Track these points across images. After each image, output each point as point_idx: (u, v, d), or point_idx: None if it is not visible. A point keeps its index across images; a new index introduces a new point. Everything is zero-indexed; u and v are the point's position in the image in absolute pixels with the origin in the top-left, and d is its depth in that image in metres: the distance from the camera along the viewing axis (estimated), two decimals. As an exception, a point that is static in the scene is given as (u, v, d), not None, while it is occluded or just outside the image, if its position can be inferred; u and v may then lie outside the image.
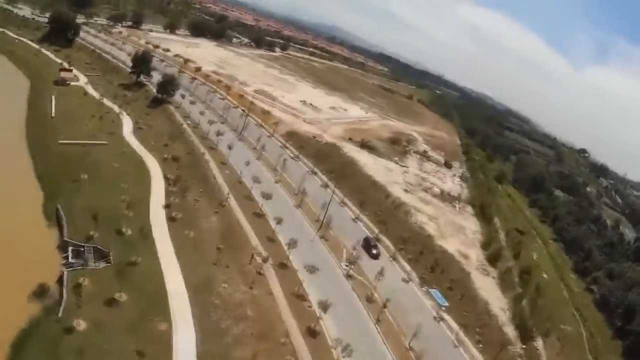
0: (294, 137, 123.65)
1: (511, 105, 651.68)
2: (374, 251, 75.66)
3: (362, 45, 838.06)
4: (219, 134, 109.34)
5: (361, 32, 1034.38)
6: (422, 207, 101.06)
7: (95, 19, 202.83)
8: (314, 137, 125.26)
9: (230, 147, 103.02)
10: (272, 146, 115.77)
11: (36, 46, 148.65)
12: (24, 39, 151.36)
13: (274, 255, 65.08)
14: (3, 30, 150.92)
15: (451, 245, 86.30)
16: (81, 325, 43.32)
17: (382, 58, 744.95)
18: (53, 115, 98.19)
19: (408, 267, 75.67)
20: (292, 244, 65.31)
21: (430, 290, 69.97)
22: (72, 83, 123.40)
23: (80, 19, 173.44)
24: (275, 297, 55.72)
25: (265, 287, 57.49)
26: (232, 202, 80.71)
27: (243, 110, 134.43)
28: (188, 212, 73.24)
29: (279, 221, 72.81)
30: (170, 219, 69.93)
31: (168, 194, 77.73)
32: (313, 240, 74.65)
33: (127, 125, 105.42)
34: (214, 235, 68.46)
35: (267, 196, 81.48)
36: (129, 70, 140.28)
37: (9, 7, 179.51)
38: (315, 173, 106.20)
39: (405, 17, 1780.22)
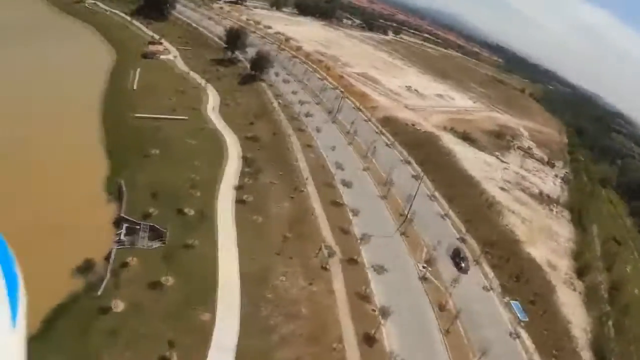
0: (390, 123, 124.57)
1: (621, 108, 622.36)
2: (463, 264, 70.03)
3: (478, 34, 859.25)
4: (310, 115, 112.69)
5: (478, 22, 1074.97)
6: (516, 208, 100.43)
7: None
8: (413, 125, 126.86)
9: (320, 130, 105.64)
10: (366, 131, 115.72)
11: (128, 19, 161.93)
12: (117, 11, 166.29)
13: (345, 249, 62.09)
14: (95, 2, 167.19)
15: (540, 252, 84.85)
16: (119, 306, 44.19)
17: (497, 49, 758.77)
18: (134, 88, 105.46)
19: (491, 274, 71.81)
20: (367, 238, 62.60)
21: (511, 302, 66.25)
22: (162, 57, 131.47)
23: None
24: (336, 296, 52.31)
25: (327, 284, 54.41)
26: (310, 188, 79.35)
27: (342, 92, 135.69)
28: (260, 195, 73.10)
29: (357, 212, 70.70)
30: (239, 202, 70.06)
31: (242, 175, 78.41)
32: (391, 236, 70.93)
33: (212, 101, 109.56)
34: (283, 222, 67.24)
35: (349, 184, 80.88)
36: (223, 46, 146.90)
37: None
38: (408, 162, 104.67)
39: (524, 9, 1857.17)
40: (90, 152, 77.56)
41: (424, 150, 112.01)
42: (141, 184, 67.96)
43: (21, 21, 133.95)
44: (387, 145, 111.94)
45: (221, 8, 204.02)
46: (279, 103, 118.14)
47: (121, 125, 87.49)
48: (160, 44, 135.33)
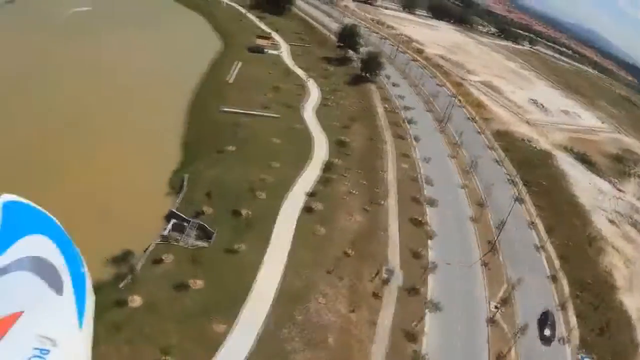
0: (504, 138, 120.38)
1: None
2: (547, 332, 60.76)
3: (615, 52, 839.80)
4: (415, 122, 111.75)
5: (617, 39, 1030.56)
6: (620, 245, 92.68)
7: None
8: (528, 141, 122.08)
9: (422, 139, 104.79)
10: (474, 144, 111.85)
11: (244, 12, 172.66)
12: (232, 4, 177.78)
13: (409, 275, 58.74)
14: None
15: (637, 303, 75.75)
16: (135, 302, 46.30)
17: (634, 69, 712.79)
18: (231, 81, 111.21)
19: (573, 321, 64.69)
20: (437, 266, 58.12)
21: (582, 356, 60.47)
22: (270, 51, 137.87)
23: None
24: (377, 331, 49.20)
25: (372, 314, 51.48)
26: (392, 202, 76.82)
27: (458, 99, 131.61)
28: (332, 204, 72.30)
29: (436, 234, 66.67)
30: (307, 210, 69.88)
31: (320, 180, 78.43)
32: (470, 266, 65.44)
33: (312, 100, 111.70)
34: (348, 236, 65.58)
35: (438, 202, 77.72)
36: (336, 44, 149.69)
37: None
38: (513, 183, 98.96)
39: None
40: (166, 141, 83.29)
41: (534, 170, 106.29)
42: (205, 181, 70.98)
43: (137, 7, 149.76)
44: (495, 161, 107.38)
45: (346, 6, 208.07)
46: (384, 107, 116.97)
47: (205, 118, 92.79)
48: (269, 38, 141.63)
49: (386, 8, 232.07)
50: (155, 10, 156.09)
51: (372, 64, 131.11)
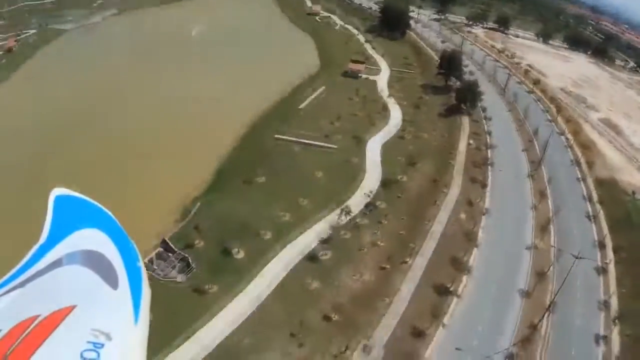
0: (606, 188, 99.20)
1: None
2: None
3: None
4: (502, 163, 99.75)
5: None
6: None
7: (447, 15, 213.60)
8: (633, 193, 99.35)
9: (499, 184, 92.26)
10: (568, 194, 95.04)
11: (355, 34, 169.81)
12: (349, 27, 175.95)
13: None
14: (329, 15, 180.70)
15: None
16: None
17: None
18: (302, 107, 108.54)
19: None
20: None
21: None
22: (366, 76, 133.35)
23: (427, 14, 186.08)
24: None
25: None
26: (419, 263, 67.47)
27: (566, 139, 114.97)
28: (344, 256, 65.63)
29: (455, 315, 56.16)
30: (310, 258, 64.03)
31: (347, 225, 71.80)
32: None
33: (388, 131, 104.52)
34: (341, 298, 58.52)
35: (475, 269, 66.60)
36: (436, 72, 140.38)
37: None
38: (602, 247, 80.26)
39: None
40: (202, 163, 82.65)
41: (634, 233, 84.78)
42: (213, 212, 69.25)
43: (249, 24, 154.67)
44: (587, 216, 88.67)
45: (469, 32, 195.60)
46: (468, 144, 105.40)
47: (254, 144, 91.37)
48: (362, 62, 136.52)
49: (517, 36, 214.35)
50: (266, 31, 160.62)
51: (467, 94, 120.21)
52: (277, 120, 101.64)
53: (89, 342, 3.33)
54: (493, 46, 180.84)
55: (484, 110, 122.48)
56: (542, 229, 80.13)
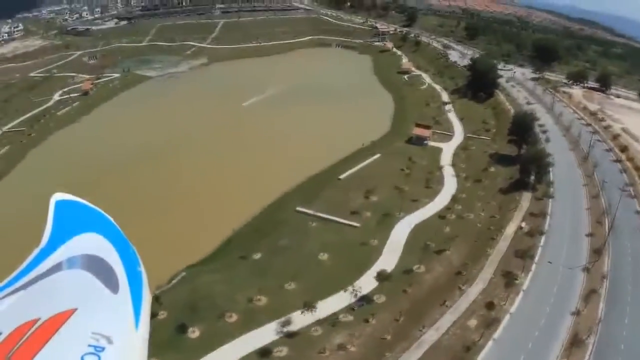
0: None
1: None
2: None
3: None
4: (554, 253, 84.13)
5: None
6: None
7: (545, 73, 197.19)
8: None
9: (540, 281, 77.29)
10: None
11: (440, 93, 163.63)
12: (437, 86, 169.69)
13: None
14: (420, 73, 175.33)
15: None
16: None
17: None
18: (342, 177, 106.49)
19: None
20: None
21: None
22: (434, 143, 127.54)
23: (525, 72, 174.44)
24: None
25: None
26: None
27: None
28: (302, 356, 61.98)
29: None
30: (262, 352, 61.24)
31: (327, 319, 67.63)
32: None
33: (428, 210, 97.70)
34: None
35: None
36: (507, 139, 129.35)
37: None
38: None
39: None
40: (216, 234, 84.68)
41: None
42: (192, 284, 70.37)
43: (332, 79, 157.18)
44: None
45: (565, 92, 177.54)
46: (519, 227, 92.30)
47: (275, 215, 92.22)
48: (429, 127, 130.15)
49: (618, 96, 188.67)
50: (347, 89, 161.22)
51: (532, 165, 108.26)
52: (311, 190, 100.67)
53: (89, 345, 3.35)
54: (585, 107, 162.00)
55: (552, 184, 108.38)
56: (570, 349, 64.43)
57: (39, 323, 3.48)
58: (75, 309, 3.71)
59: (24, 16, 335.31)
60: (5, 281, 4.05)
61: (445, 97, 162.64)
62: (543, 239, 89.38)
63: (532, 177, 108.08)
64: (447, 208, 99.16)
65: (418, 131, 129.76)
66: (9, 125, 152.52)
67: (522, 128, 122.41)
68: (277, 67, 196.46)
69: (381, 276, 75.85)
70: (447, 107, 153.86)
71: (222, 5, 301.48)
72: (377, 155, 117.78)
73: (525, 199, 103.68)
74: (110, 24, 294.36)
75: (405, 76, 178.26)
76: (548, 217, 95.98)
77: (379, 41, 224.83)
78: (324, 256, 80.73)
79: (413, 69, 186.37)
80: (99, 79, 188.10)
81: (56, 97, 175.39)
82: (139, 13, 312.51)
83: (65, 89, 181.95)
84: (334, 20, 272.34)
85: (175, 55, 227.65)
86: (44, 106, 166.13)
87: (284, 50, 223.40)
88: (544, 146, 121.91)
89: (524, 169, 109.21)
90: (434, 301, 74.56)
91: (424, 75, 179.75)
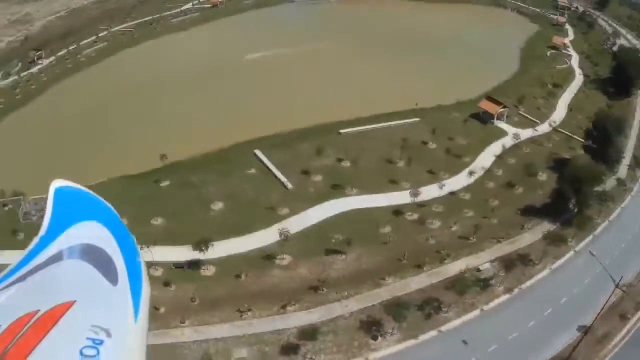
0: None
1: None
2: None
3: None
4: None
5: None
6: None
7: None
8: None
9: None
10: None
11: (575, 73, 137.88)
12: (576, 69, 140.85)
13: None
14: (570, 54, 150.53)
15: None
16: None
17: None
18: (343, 131, 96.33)
19: None
20: None
21: None
22: (503, 126, 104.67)
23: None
24: None
25: None
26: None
27: None
28: None
29: None
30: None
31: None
32: None
33: (390, 200, 79.89)
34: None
35: None
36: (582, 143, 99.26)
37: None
38: None
39: None
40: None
41: None
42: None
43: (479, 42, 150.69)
44: None
45: None
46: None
47: (235, 149, 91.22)
48: (500, 104, 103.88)
49: None
50: (480, 52, 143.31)
51: (570, 191, 79.36)
52: (299, 136, 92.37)
53: (88, 338, 3.35)
54: None
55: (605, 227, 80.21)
56: None
57: (37, 315, 3.39)
58: (74, 301, 3.62)
59: None
60: (4, 272, 3.90)
61: (577, 82, 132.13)
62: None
63: (572, 205, 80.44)
64: (419, 205, 78.42)
65: (485, 105, 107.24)
66: (122, 26, 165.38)
67: (603, 134, 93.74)
68: (433, 16, 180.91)
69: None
70: (566, 90, 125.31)
71: None
72: (414, 120, 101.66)
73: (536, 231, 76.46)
74: None
75: (550, 52, 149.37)
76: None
77: (555, 14, 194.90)
78: (219, 205, 74.47)
79: (566, 45, 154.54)
80: None
81: (188, 5, 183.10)
82: None
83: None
84: None
85: None
86: (166, 13, 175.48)
87: (451, 2, 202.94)
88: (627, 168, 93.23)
89: (560, 190, 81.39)
90: None
91: (574, 55, 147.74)
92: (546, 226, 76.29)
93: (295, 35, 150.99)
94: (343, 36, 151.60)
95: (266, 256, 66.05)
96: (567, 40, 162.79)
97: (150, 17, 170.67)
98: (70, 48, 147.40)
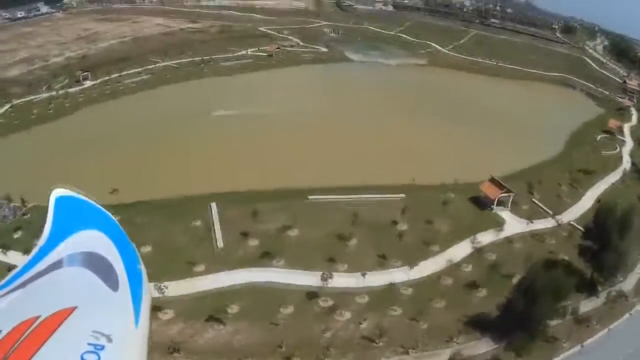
0: None
1: None
2: None
3: None
4: None
5: None
6: None
7: None
8: None
9: None
10: None
11: (624, 162, 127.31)
12: (626, 157, 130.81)
13: None
14: (625, 140, 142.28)
15: None
16: None
17: None
18: (312, 198, 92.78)
19: None
20: None
21: None
22: (506, 215, 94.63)
23: None
24: None
25: None
26: None
27: None
28: None
29: None
30: None
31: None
32: None
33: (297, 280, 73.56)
34: None
35: None
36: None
37: None
38: None
39: None
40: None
41: None
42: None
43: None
44: None
45: None
46: None
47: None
48: (503, 188, 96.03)
49: None
50: (528, 130, 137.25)
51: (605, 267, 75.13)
52: (268, 199, 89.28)
53: (89, 343, 3.41)
54: None
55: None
56: None
57: (38, 321, 3.51)
58: (76, 307, 3.76)
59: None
60: (6, 278, 4.10)
61: (619, 170, 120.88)
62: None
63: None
64: (342, 292, 71.35)
65: (486, 188, 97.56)
66: (173, 61, 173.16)
67: (602, 233, 78.92)
68: (495, 89, 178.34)
69: None
70: (603, 179, 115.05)
71: (495, 20, 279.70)
72: (399, 196, 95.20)
73: (467, 348, 65.93)
74: (377, 6, 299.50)
75: (601, 136, 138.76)
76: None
77: (623, 98, 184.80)
78: (145, 248, 72.58)
79: (621, 129, 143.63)
80: (281, 47, 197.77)
81: (246, 52, 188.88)
82: (409, 4, 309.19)
83: (262, 47, 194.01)
84: (594, 65, 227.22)
85: (406, 50, 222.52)
86: (220, 55, 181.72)
87: (518, 77, 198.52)
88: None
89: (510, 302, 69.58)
90: None
91: (628, 142, 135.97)
92: (483, 346, 66.10)
93: (325, 94, 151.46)
94: (373, 96, 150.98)
95: (154, 307, 64.20)
96: (625, 125, 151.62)
97: (201, 58, 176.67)
98: (115, 75, 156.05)
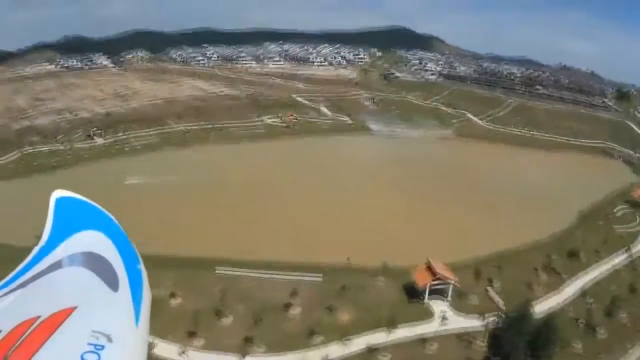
0: None
1: None
2: None
3: None
4: None
5: None
6: None
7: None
8: None
9: None
10: None
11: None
12: None
13: None
14: None
15: None
16: None
17: None
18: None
19: None
20: None
21: None
22: (446, 309, 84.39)
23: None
24: None
25: None
26: None
27: None
28: None
29: None
30: None
31: None
32: None
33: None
34: None
35: None
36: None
37: None
38: None
39: None
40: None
41: None
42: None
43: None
44: None
45: None
46: None
47: None
48: (435, 275, 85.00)
49: None
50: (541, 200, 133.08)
51: None
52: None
53: (89, 343, 3.51)
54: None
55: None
56: None
57: (39, 321, 3.59)
58: (76, 307, 3.84)
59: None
60: (5, 279, 4.17)
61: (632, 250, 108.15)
62: None
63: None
64: None
65: (419, 274, 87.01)
66: (184, 124, 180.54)
67: (502, 343, 71.52)
68: (506, 162, 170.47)
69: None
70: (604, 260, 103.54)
71: (539, 87, 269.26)
72: (315, 277, 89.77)
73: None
74: (426, 76, 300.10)
75: (621, 207, 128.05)
76: None
77: None
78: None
79: None
80: (297, 118, 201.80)
81: (266, 120, 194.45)
82: (459, 73, 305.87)
83: (284, 116, 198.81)
84: (638, 129, 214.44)
85: (438, 120, 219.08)
86: (234, 122, 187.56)
87: (550, 147, 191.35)
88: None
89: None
90: None
91: None
92: None
93: (301, 166, 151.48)
94: (359, 169, 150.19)
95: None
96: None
97: (212, 124, 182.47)
98: (126, 134, 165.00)
